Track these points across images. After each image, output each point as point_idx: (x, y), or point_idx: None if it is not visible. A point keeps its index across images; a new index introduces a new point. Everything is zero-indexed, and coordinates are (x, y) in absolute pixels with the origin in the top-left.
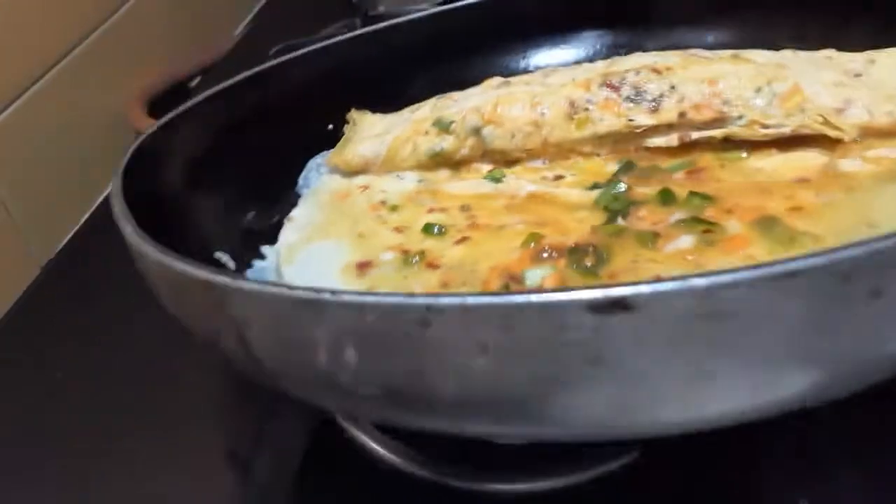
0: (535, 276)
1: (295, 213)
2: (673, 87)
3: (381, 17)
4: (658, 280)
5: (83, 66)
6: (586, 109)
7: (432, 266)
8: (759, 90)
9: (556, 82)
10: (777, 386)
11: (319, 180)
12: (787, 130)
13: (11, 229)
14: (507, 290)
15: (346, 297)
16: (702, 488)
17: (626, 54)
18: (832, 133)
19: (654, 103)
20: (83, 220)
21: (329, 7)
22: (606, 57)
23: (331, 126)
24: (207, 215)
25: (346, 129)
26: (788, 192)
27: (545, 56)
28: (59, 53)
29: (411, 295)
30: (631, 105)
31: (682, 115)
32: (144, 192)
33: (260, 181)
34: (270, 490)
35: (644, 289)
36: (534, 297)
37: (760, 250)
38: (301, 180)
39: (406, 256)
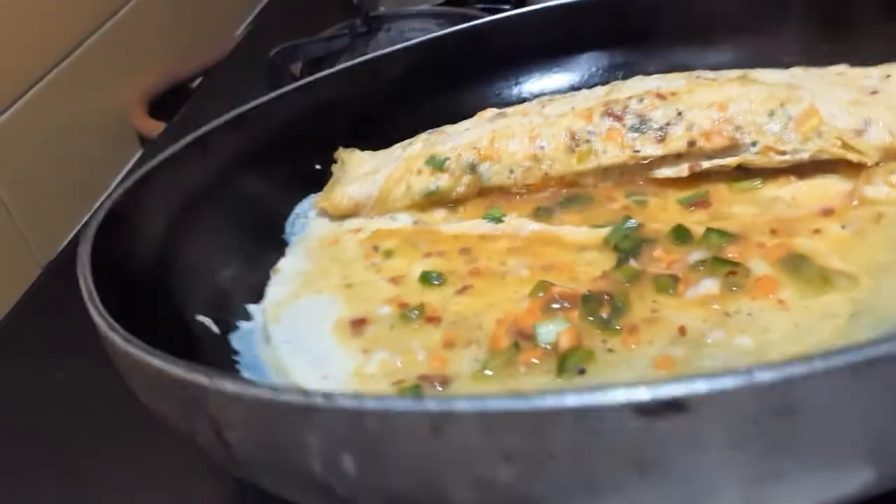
0: (548, 332)
1: (282, 263)
2: (680, 114)
3: (382, 18)
4: (714, 375)
5: (84, 67)
6: (588, 141)
7: (433, 320)
8: (772, 114)
9: (555, 112)
10: (850, 479)
11: (307, 226)
12: (805, 156)
13: (12, 230)
14: (517, 349)
15: (343, 402)
16: None
17: (623, 77)
18: (853, 157)
19: (660, 132)
20: (84, 220)
21: (329, 8)
22: (604, 80)
23: (318, 166)
24: (186, 276)
25: (335, 168)
26: (813, 224)
27: (539, 82)
28: (61, 54)
29: (420, 398)
30: (636, 135)
31: (691, 143)
32: (118, 256)
33: (244, 232)
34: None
35: (700, 387)
36: (569, 401)
37: (791, 293)
38: (287, 227)
39: (404, 311)
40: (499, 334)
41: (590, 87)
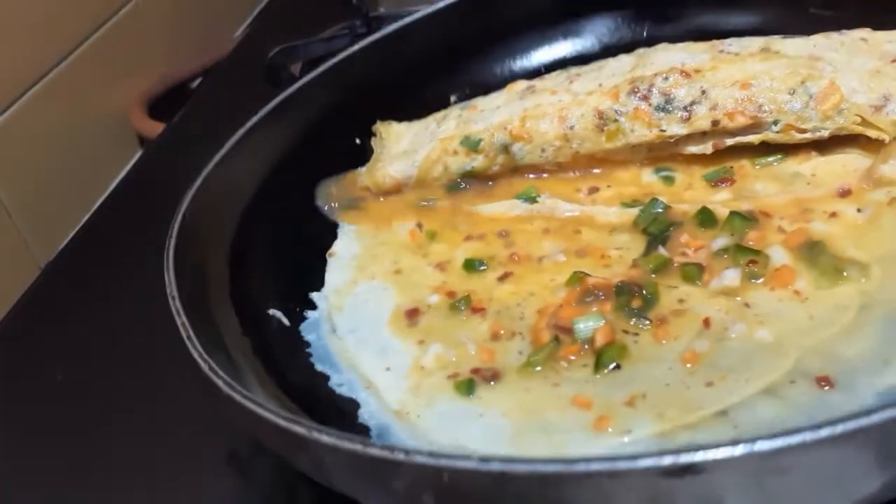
0: (585, 329)
1: (336, 247)
2: (704, 93)
3: (382, 19)
4: (724, 444)
5: (84, 68)
6: (616, 120)
7: (479, 311)
8: (793, 92)
9: (583, 90)
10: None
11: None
12: (825, 134)
13: (11, 230)
14: (558, 344)
15: (420, 459)
16: None
17: (648, 37)
18: (872, 133)
19: (685, 111)
20: (83, 221)
21: (329, 8)
22: (631, 41)
23: (358, 141)
24: (255, 272)
25: (374, 142)
26: (831, 206)
27: (567, 44)
28: (60, 55)
29: (486, 459)
30: (662, 114)
31: (715, 123)
32: (196, 270)
33: (300, 219)
34: (271, 490)
35: (713, 454)
36: (605, 465)
37: (807, 284)
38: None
39: (452, 301)
40: (540, 327)
41: (618, 46)
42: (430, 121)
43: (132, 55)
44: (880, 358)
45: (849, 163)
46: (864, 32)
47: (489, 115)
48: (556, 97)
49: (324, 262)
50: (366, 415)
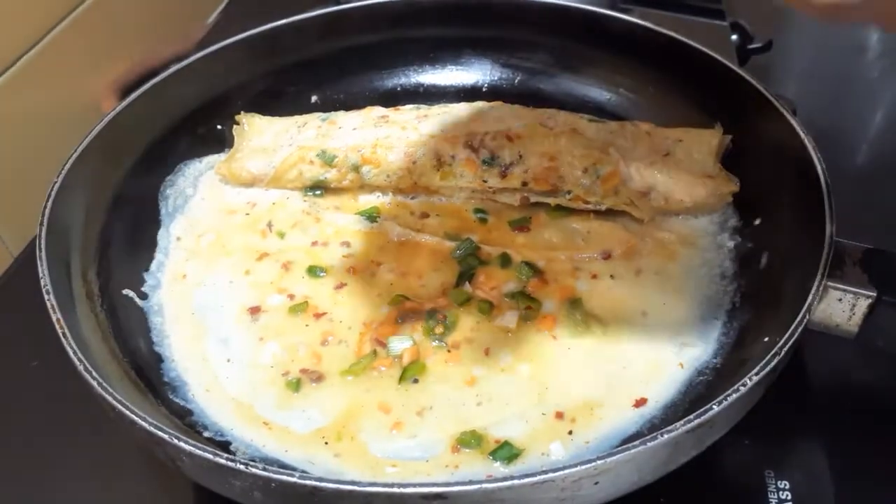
0: (397, 347)
1: (182, 228)
2: (521, 157)
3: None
4: (464, 483)
5: (54, 55)
6: (450, 165)
7: (316, 317)
8: (586, 170)
9: (427, 131)
10: None
11: (199, 188)
12: (602, 207)
13: None
14: (375, 356)
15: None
16: None
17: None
18: (636, 213)
19: (504, 169)
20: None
21: None
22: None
23: (220, 126)
24: (111, 257)
25: (236, 131)
26: (594, 268)
27: (437, 76)
28: (29, 42)
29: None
30: (486, 167)
31: (524, 183)
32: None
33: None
34: None
35: (454, 489)
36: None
37: (563, 331)
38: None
39: (292, 303)
40: (364, 340)
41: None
42: (292, 123)
43: (103, 43)
44: (595, 400)
45: (616, 230)
46: (649, 127)
47: (346, 135)
48: (405, 133)
49: (168, 242)
50: (207, 399)
